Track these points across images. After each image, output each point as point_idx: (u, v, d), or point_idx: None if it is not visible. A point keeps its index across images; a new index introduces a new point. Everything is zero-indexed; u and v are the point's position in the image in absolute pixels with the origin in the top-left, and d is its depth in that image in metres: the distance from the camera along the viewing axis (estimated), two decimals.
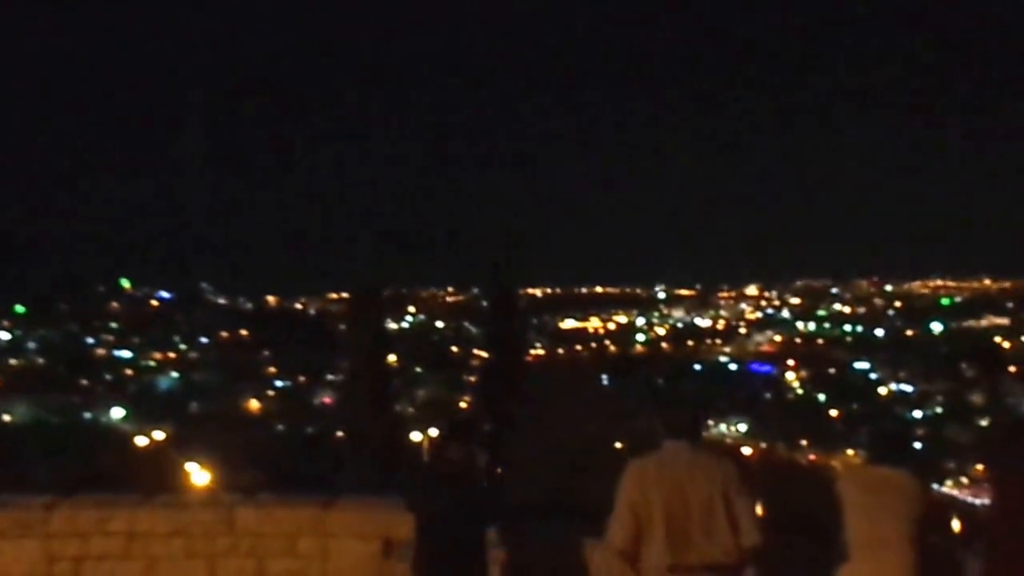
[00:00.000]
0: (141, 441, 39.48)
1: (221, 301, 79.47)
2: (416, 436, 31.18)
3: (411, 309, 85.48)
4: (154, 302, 76.30)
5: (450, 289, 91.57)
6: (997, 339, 70.16)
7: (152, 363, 65.44)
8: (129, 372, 63.47)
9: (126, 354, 66.12)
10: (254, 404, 56.20)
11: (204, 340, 69.74)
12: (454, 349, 71.93)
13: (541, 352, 70.53)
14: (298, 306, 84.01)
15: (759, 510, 4.86)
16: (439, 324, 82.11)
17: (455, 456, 4.91)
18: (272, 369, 64.04)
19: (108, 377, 61.52)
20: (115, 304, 73.76)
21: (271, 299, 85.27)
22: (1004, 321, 73.88)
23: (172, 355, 67.12)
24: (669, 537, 4.24)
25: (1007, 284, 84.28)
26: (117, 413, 51.58)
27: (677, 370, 64.76)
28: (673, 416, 4.57)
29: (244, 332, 72.02)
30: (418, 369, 65.68)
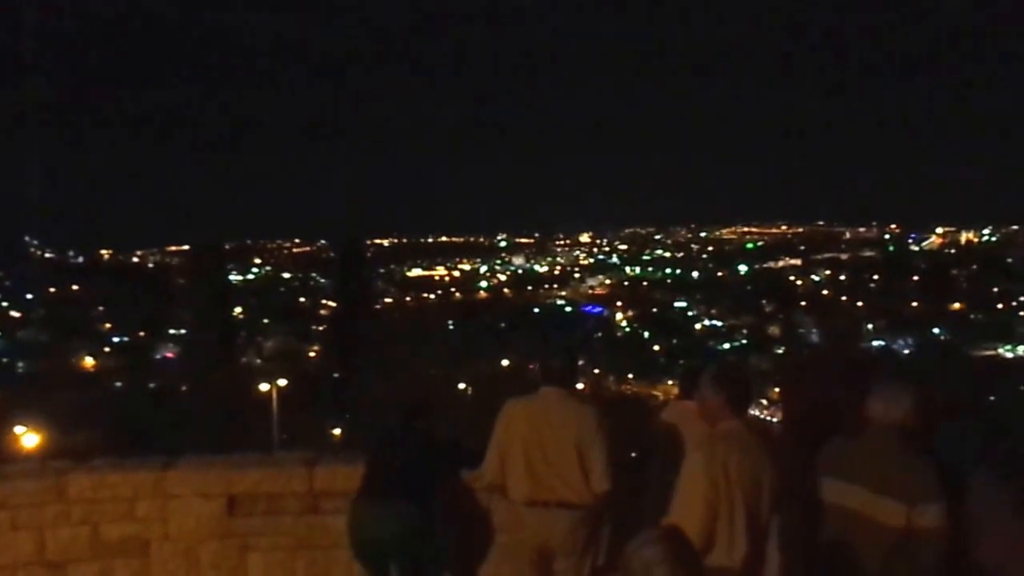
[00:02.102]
0: None
1: (48, 255, 73.22)
2: (264, 387, 30.22)
3: (257, 261, 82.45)
4: None
5: (296, 240, 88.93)
6: (792, 278, 75.62)
7: None
8: None
9: None
10: (89, 362, 52.15)
11: (29, 297, 63.54)
12: (302, 300, 69.93)
13: (389, 300, 69.98)
14: (135, 260, 79.13)
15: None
16: (286, 275, 79.63)
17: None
18: (108, 325, 59.69)
19: None
20: None
21: (104, 253, 79.79)
22: (797, 262, 79.76)
23: None
24: (527, 474, 4.38)
25: (800, 230, 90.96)
26: None
27: (519, 317, 65.88)
28: (548, 363, 4.60)
29: (75, 287, 66.49)
30: (265, 320, 63.57)
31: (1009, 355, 54.95)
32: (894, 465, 3.53)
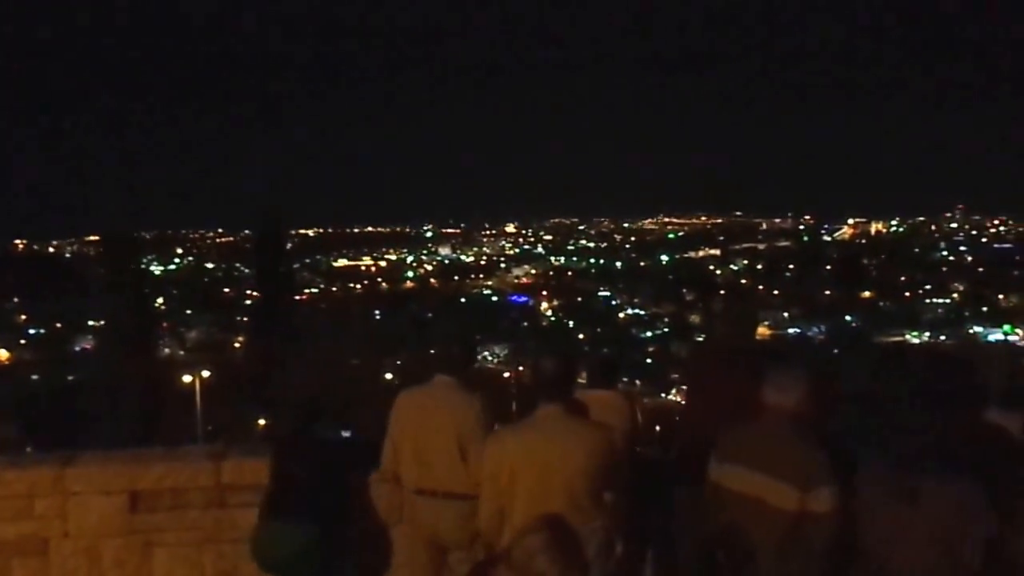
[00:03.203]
0: None
1: None
2: (187, 378, 29.41)
3: (179, 251, 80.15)
4: None
5: (220, 230, 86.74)
6: (711, 267, 77.39)
7: None
8: None
9: None
10: (3, 354, 50.07)
11: None
12: (226, 290, 68.27)
13: (316, 290, 68.86)
14: (51, 250, 75.95)
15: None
16: (209, 265, 77.62)
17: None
18: (23, 317, 57.25)
19: None
20: None
21: (19, 243, 76.35)
22: (717, 252, 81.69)
23: None
24: (416, 462, 4.32)
25: (720, 220, 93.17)
26: None
27: (444, 306, 65.67)
28: (440, 352, 4.51)
29: None
30: (188, 311, 61.89)
31: (916, 341, 57.39)
32: (787, 450, 3.59)
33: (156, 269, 71.40)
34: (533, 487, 3.62)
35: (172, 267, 76.22)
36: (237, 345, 45.44)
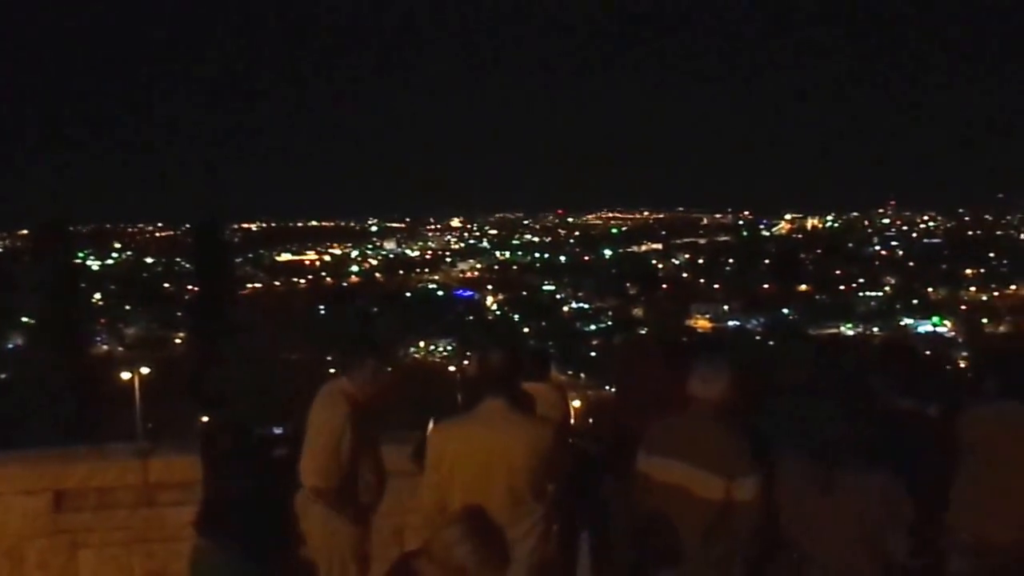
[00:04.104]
0: None
1: None
2: (126, 375, 28.64)
3: (116, 245, 77.99)
4: None
5: (159, 224, 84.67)
6: (654, 261, 78.35)
7: None
8: None
9: None
10: None
11: None
12: (166, 285, 66.60)
13: (258, 285, 67.69)
14: None
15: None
16: (148, 260, 75.67)
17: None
18: None
19: None
20: None
21: None
22: (659, 246, 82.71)
23: None
24: (304, 461, 4.31)
25: (662, 215, 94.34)
26: None
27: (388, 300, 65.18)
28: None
29: None
30: (127, 307, 60.27)
31: (850, 332, 58.93)
32: (713, 441, 3.65)
33: (93, 264, 69.36)
34: (473, 479, 3.62)
35: (110, 262, 74.17)
36: (179, 341, 44.46)
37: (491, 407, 3.69)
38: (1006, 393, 3.90)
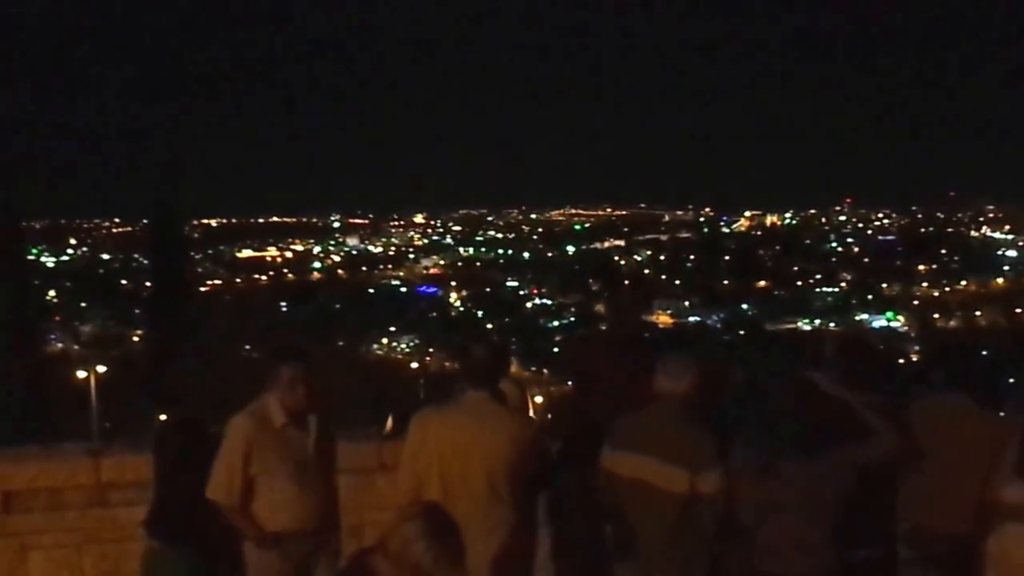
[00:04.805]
0: None
1: None
2: (82, 374, 28.06)
3: (72, 241, 76.35)
4: None
5: (116, 220, 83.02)
6: (616, 258, 78.84)
7: None
8: None
9: None
10: None
11: None
12: (123, 282, 65.33)
13: (219, 282, 66.77)
14: None
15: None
16: (105, 256, 74.18)
17: None
18: None
19: None
20: None
21: None
22: (621, 243, 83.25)
23: None
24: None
25: (624, 212, 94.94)
26: None
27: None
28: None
29: None
30: (83, 304, 59.04)
31: (807, 327, 59.87)
32: (677, 435, 3.70)
33: (48, 260, 67.84)
34: (453, 469, 3.68)
35: (64, 258, 72.62)
36: (136, 339, 43.70)
37: (475, 399, 3.74)
38: (951, 385, 4.00)
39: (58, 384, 27.04)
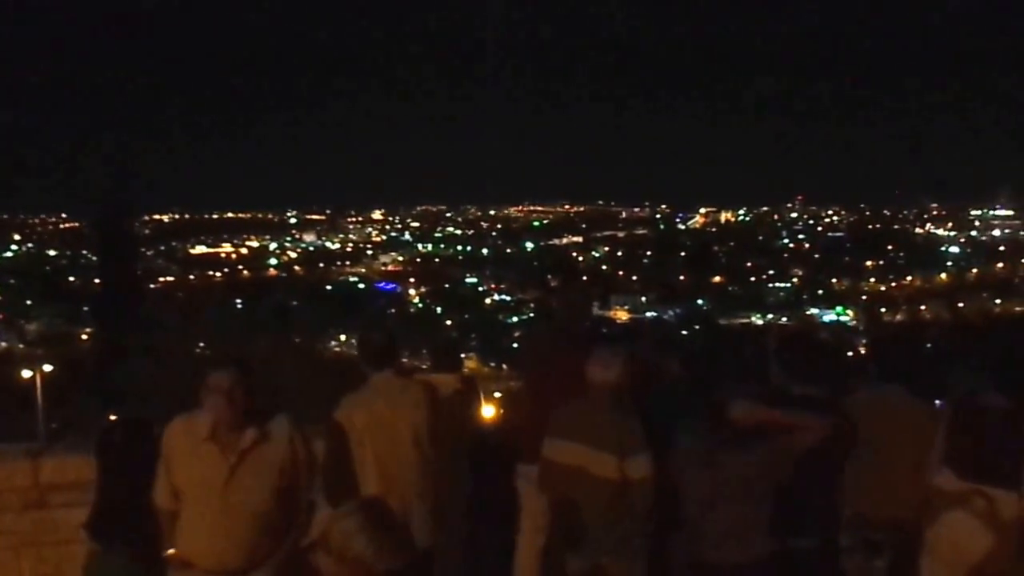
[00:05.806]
0: None
1: None
2: (27, 373, 27.36)
3: (16, 237, 74.30)
4: None
5: (64, 215, 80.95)
6: (574, 254, 79.21)
7: None
8: None
9: None
10: None
11: None
12: (71, 279, 63.80)
13: (171, 279, 65.58)
14: None
15: None
16: (52, 253, 72.33)
17: None
18: None
19: None
20: None
21: None
22: (579, 239, 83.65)
23: None
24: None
25: (582, 209, 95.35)
26: None
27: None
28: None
29: None
30: (28, 301, 57.57)
31: (759, 322, 60.86)
32: (608, 422, 3.85)
33: None
34: (385, 449, 3.87)
35: (8, 254, 70.69)
36: (85, 338, 42.74)
37: (382, 379, 4.00)
38: (887, 377, 4.11)
39: (2, 384, 26.36)
